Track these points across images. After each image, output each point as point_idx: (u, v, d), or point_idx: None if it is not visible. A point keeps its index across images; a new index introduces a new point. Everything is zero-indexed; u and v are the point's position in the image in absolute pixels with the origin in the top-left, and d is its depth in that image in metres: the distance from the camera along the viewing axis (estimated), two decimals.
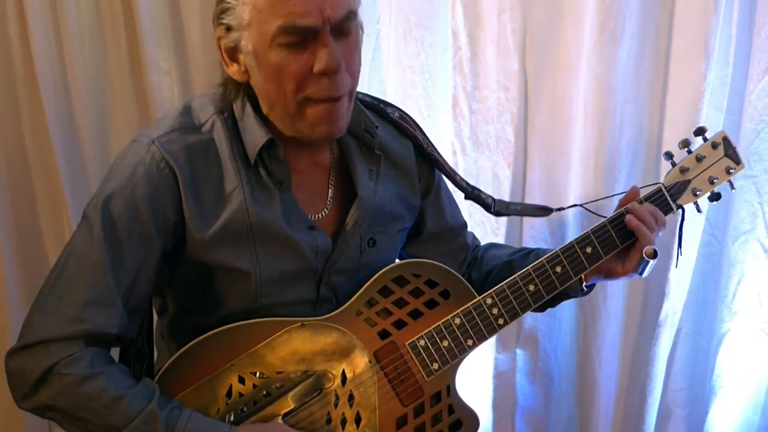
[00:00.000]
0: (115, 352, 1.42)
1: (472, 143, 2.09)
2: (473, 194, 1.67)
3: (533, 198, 2.11)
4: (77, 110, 2.05)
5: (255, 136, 1.38)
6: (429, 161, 1.64)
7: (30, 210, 2.17)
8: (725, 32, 1.91)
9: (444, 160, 1.66)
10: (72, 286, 1.32)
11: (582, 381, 2.21)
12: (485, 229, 2.12)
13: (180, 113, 1.42)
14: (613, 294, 2.11)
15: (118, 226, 1.33)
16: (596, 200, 1.60)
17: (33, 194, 2.15)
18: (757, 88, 1.95)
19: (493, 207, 1.68)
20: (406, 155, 1.60)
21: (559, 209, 1.67)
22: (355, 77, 1.37)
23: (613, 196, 1.61)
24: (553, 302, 1.63)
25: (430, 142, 1.64)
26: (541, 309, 1.64)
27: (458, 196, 1.70)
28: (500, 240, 2.13)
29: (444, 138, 2.07)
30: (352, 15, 1.32)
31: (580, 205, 1.64)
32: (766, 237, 2.04)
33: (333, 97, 1.33)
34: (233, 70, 1.37)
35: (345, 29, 1.32)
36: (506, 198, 2.09)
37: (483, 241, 1.84)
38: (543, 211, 1.68)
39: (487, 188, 2.08)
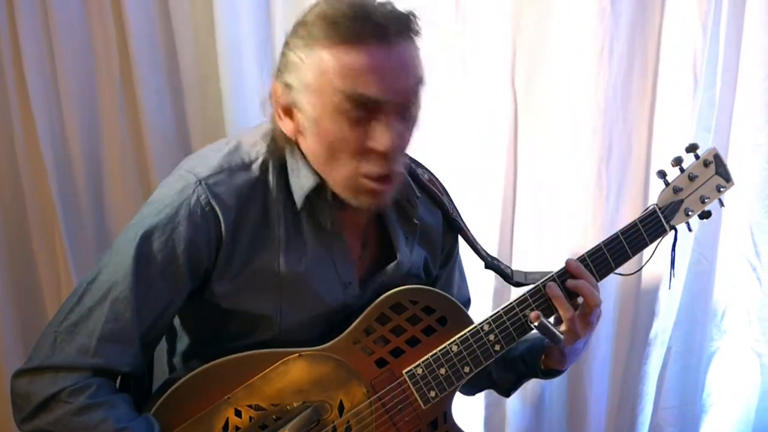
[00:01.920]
0: None
1: (461, 165, 2.09)
2: (493, 264, 1.66)
3: (523, 217, 2.12)
4: (69, 128, 2.03)
5: (303, 178, 1.36)
6: (453, 229, 1.64)
7: (22, 231, 2.14)
8: (713, 52, 1.93)
9: (467, 228, 1.65)
10: (91, 316, 1.29)
11: (573, 400, 2.21)
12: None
13: (230, 150, 1.38)
14: (603, 313, 2.09)
15: (151, 263, 1.30)
16: (599, 247, 1.56)
17: (25, 215, 2.12)
18: (745, 108, 1.97)
19: (512, 277, 1.67)
20: (436, 227, 1.60)
21: None
22: (406, 154, 1.37)
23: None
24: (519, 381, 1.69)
25: (455, 206, 1.64)
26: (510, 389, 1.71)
27: (478, 264, 1.69)
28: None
29: (433, 161, 2.06)
30: (421, 83, 1.30)
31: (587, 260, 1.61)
32: (755, 256, 2.06)
33: (385, 175, 1.31)
34: (287, 126, 1.34)
35: (410, 103, 1.30)
36: (497, 220, 2.10)
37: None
38: None
39: (477, 209, 2.08)
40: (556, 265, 1.52)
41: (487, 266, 1.66)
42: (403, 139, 1.31)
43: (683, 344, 2.17)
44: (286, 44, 1.31)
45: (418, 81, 1.30)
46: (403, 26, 1.27)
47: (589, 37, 1.93)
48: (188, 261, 1.32)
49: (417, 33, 1.31)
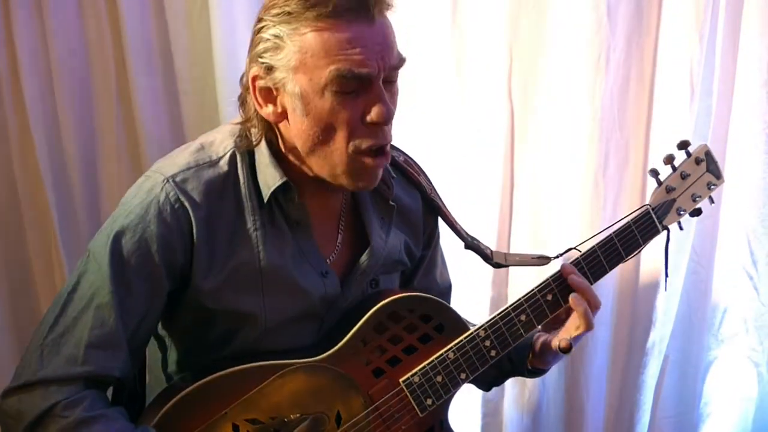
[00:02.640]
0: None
1: (459, 171, 2.09)
2: (473, 244, 1.65)
3: (520, 225, 2.12)
4: (65, 135, 2.03)
5: (269, 176, 1.36)
6: (432, 209, 1.63)
7: (18, 238, 2.14)
8: (709, 62, 1.94)
9: (446, 208, 1.65)
10: (76, 325, 1.28)
11: (570, 409, 2.21)
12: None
13: (197, 149, 1.38)
14: (601, 322, 2.12)
15: (127, 264, 1.29)
16: (589, 239, 1.57)
17: (22, 222, 2.12)
18: (741, 117, 1.97)
19: (492, 258, 1.67)
20: (415, 208, 1.60)
21: (557, 257, 1.64)
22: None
23: (605, 229, 1.60)
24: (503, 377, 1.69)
25: (434, 187, 1.63)
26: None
27: (458, 245, 1.68)
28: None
29: (431, 166, 2.06)
30: (402, 62, 1.31)
31: (574, 249, 1.61)
32: (752, 265, 2.06)
33: (383, 145, 1.32)
34: (268, 111, 1.33)
35: (394, 78, 1.31)
36: (495, 229, 2.10)
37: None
38: (541, 260, 1.65)
39: (475, 218, 2.08)
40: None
41: (466, 246, 1.66)
42: (391, 111, 1.31)
43: (680, 353, 2.17)
44: (261, 24, 1.29)
45: (400, 55, 1.30)
46: (382, 2, 1.27)
47: (585, 46, 1.93)
48: (163, 259, 1.31)
49: (392, 7, 1.31)
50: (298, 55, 1.25)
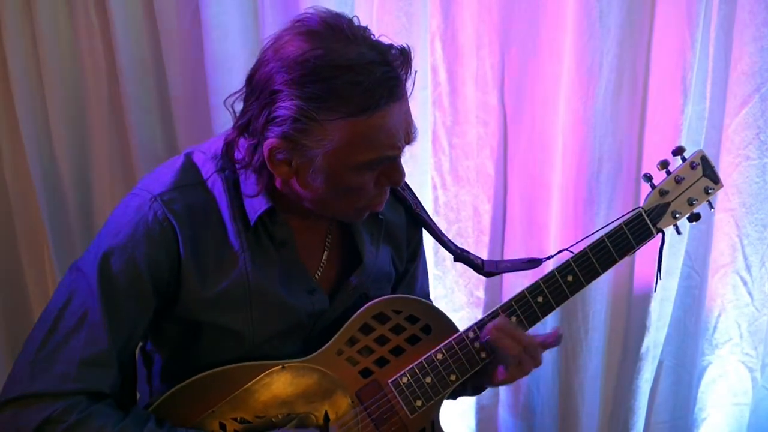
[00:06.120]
0: None
1: (452, 178, 2.09)
2: (462, 256, 1.65)
3: (513, 231, 2.12)
4: (57, 147, 2.02)
5: (256, 202, 1.36)
6: (416, 224, 1.63)
7: (11, 252, 2.13)
8: (702, 67, 1.93)
9: (433, 222, 1.64)
10: (67, 342, 1.28)
11: (564, 415, 2.21)
12: None
13: (182, 168, 1.38)
14: (595, 327, 2.11)
15: (116, 283, 1.30)
16: (580, 241, 1.57)
17: (15, 236, 2.12)
18: (734, 122, 1.97)
19: (483, 268, 1.66)
20: (400, 224, 1.60)
21: (548, 258, 1.64)
22: None
23: (596, 232, 1.60)
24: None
25: (419, 202, 1.63)
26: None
27: (447, 257, 1.69)
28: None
29: (424, 173, 2.07)
30: (416, 135, 1.35)
31: (566, 250, 1.61)
32: (745, 270, 2.06)
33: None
34: (280, 171, 1.31)
35: None
36: (487, 234, 2.11)
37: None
38: (532, 263, 1.65)
39: (468, 223, 2.09)
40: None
41: (456, 259, 1.66)
42: (404, 175, 1.38)
43: (675, 359, 2.17)
44: (279, 91, 1.24)
45: (415, 127, 1.34)
46: (410, 69, 1.29)
47: (578, 51, 1.93)
48: (152, 278, 1.32)
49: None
50: (336, 143, 1.25)
